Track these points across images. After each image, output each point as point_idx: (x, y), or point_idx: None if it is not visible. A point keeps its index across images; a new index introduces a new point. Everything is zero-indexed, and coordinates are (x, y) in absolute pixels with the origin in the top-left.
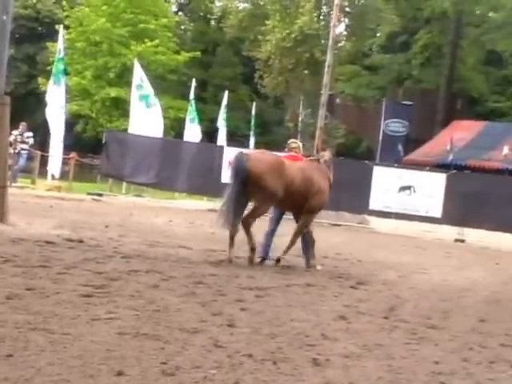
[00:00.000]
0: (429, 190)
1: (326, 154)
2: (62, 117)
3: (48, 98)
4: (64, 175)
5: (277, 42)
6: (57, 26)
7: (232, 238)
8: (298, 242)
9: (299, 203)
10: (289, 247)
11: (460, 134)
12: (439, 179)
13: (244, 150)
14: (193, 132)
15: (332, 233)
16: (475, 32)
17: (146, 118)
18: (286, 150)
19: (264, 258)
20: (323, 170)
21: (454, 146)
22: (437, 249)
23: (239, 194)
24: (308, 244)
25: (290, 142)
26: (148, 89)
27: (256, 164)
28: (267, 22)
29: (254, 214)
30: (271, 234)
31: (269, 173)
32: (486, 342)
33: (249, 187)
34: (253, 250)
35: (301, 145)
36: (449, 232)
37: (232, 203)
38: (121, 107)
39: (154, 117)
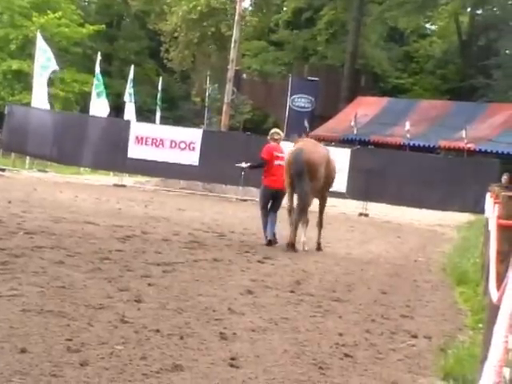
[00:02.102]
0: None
1: None
2: None
3: None
4: None
5: (183, 15)
6: None
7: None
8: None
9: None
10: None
11: (364, 110)
12: (344, 155)
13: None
14: (100, 106)
15: (240, 208)
16: (378, 9)
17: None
18: (269, 139)
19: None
20: None
21: (358, 121)
22: (341, 223)
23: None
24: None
25: (273, 132)
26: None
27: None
28: None
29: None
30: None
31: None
32: (388, 313)
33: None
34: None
35: (282, 135)
36: (353, 206)
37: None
38: (23, 80)
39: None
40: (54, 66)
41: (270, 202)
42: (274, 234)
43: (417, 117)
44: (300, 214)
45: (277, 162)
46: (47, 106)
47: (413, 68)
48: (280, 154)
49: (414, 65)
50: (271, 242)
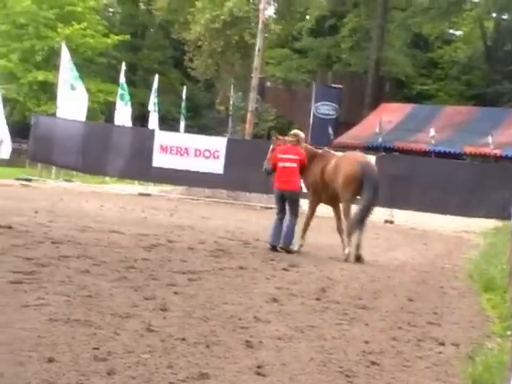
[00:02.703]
0: None
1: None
2: None
3: None
4: None
5: (206, 24)
6: None
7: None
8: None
9: None
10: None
11: (388, 117)
12: None
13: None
14: (125, 115)
15: (264, 216)
16: (402, 16)
17: (71, 102)
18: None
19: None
20: None
21: (382, 128)
22: (367, 230)
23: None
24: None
25: (290, 133)
26: (73, 72)
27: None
28: (197, 3)
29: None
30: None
31: None
32: (415, 320)
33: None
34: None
35: (300, 136)
36: (378, 213)
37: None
38: (49, 91)
39: (78, 100)
40: (79, 87)
41: (285, 204)
42: (281, 240)
43: (442, 123)
44: (359, 224)
45: (281, 164)
46: (77, 117)
47: (437, 74)
48: (288, 156)
49: (438, 71)
50: (275, 248)
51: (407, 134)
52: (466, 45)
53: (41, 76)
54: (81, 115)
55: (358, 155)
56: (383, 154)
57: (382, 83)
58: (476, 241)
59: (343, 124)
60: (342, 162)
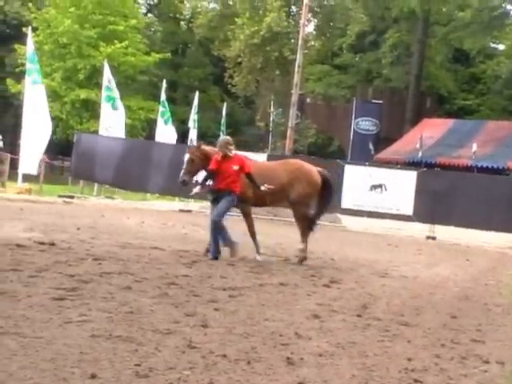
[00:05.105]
0: (400, 188)
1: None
2: (47, 115)
3: (26, 96)
4: (34, 178)
5: (245, 40)
6: (24, 29)
7: None
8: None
9: None
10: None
11: (429, 132)
12: (410, 177)
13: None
14: (168, 133)
15: None
16: (443, 31)
17: (112, 120)
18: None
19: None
20: None
21: (423, 143)
22: (408, 246)
23: None
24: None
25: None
26: (114, 91)
27: None
28: (236, 20)
29: None
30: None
31: None
32: (458, 337)
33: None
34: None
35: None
36: (420, 229)
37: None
38: (91, 109)
39: (118, 120)
40: (120, 107)
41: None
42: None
43: (484, 138)
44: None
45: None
46: (116, 134)
47: (479, 89)
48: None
49: (480, 85)
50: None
51: (449, 150)
52: (509, 59)
53: (83, 94)
54: (120, 132)
55: (307, 164)
56: (424, 169)
57: (422, 98)
58: None
59: (384, 139)
60: (300, 171)
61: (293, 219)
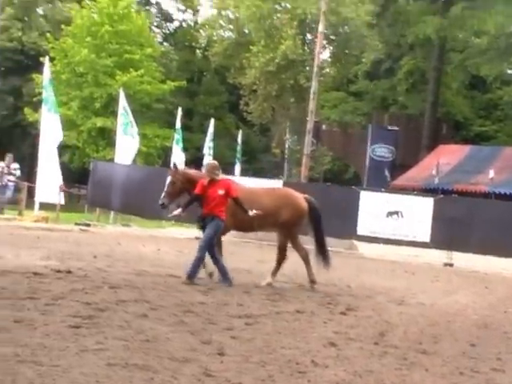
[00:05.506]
0: (416, 215)
1: None
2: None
3: (43, 125)
4: (51, 206)
5: (261, 67)
6: (42, 58)
7: None
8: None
9: None
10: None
11: (446, 159)
12: (427, 203)
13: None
14: (180, 160)
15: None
16: (459, 57)
17: (128, 147)
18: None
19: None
20: None
21: (440, 170)
22: (425, 273)
23: None
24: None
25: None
26: (129, 118)
27: None
28: (252, 48)
29: None
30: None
31: None
32: (477, 366)
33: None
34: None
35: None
36: (437, 256)
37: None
38: (107, 137)
39: (132, 145)
40: (135, 134)
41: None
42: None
43: (501, 164)
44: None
45: None
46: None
47: (496, 115)
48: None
49: (497, 112)
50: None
51: (466, 176)
52: None
53: (99, 122)
54: (129, 159)
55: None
56: (441, 196)
57: (439, 125)
58: None
59: (400, 166)
60: (287, 197)
61: (310, 245)
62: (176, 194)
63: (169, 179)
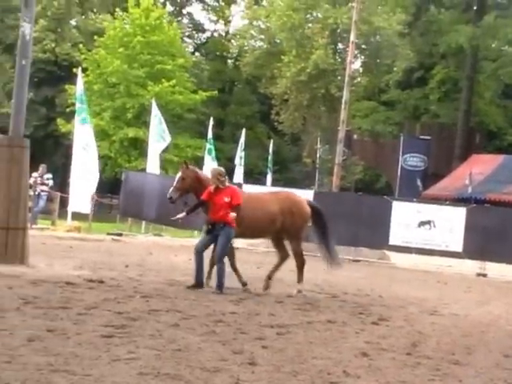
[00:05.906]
0: (449, 225)
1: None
2: (95, 154)
3: (76, 135)
4: (83, 216)
5: (292, 77)
6: (75, 69)
7: None
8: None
9: None
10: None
11: (479, 168)
12: (459, 213)
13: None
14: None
15: (352, 269)
16: (492, 66)
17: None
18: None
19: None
20: None
21: (473, 180)
22: (458, 283)
23: None
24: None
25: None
26: (163, 127)
27: None
28: (283, 58)
29: None
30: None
31: None
32: (511, 377)
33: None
34: None
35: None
36: (470, 266)
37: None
38: (139, 147)
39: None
40: (167, 138)
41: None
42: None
43: None
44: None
45: None
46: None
47: None
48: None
49: None
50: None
51: (499, 186)
52: None
53: (131, 133)
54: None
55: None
56: (474, 205)
57: (471, 134)
58: None
59: (432, 176)
60: (290, 201)
61: (340, 255)
62: (185, 189)
63: (179, 174)
